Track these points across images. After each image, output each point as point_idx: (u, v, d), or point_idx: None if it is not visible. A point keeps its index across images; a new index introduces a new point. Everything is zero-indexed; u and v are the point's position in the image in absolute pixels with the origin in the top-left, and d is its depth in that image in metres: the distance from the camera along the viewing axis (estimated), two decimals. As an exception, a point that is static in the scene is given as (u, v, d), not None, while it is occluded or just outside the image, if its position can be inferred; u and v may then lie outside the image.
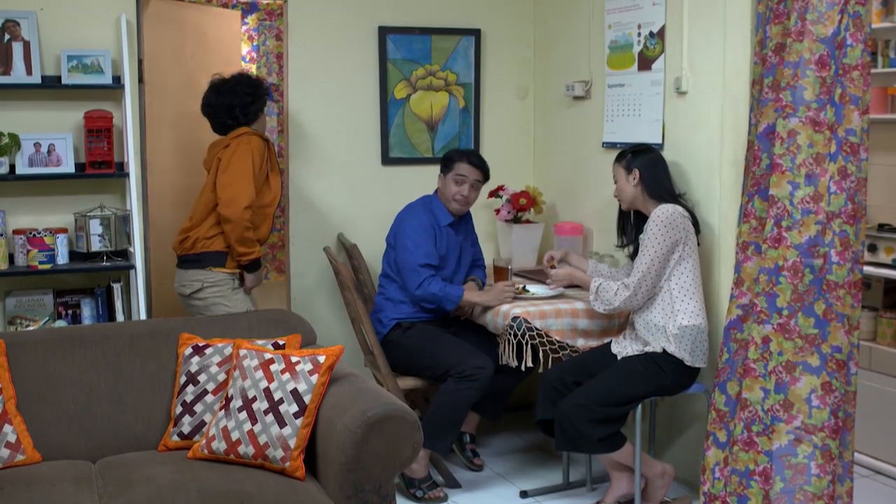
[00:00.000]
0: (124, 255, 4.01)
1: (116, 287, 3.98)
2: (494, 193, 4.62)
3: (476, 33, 4.74)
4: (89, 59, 3.94)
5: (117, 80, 3.98)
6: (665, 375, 3.42)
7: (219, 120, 3.93)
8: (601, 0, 4.25)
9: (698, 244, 3.53)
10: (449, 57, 4.71)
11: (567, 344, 3.69)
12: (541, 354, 3.67)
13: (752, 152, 3.26)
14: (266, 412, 2.84)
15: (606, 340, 3.70)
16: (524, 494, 3.81)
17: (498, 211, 4.62)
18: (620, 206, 3.69)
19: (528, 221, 4.60)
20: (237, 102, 3.88)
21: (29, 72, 3.87)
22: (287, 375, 2.89)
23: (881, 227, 4.33)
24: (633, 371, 3.43)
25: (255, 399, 2.88)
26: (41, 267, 3.83)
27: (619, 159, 3.62)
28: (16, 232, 3.89)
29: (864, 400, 3.49)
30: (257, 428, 2.83)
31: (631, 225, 3.70)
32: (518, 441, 4.44)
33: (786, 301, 3.07)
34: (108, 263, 3.93)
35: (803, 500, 3.04)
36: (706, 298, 3.54)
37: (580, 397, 3.40)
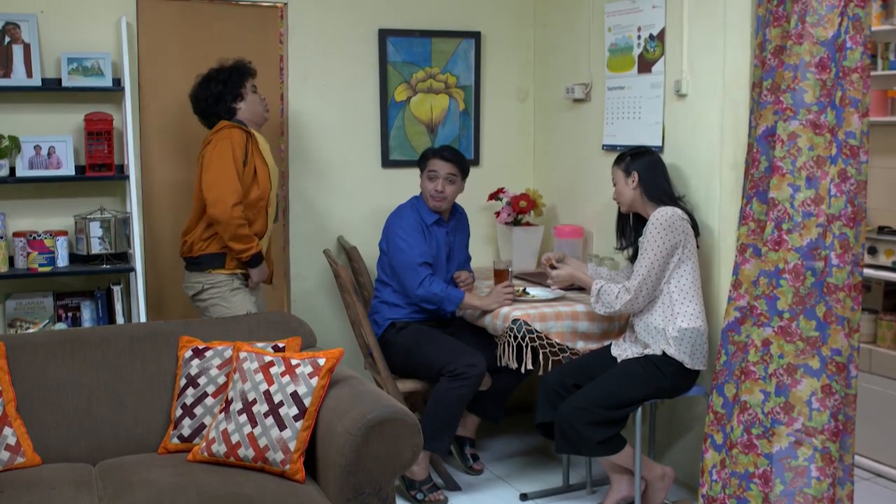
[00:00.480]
0: (124, 257, 4.01)
1: (116, 289, 3.98)
2: (494, 196, 4.62)
3: (476, 36, 4.74)
4: (89, 62, 3.94)
5: (117, 82, 3.98)
6: (665, 378, 3.41)
7: (203, 118, 3.89)
8: (601, 3, 4.25)
9: (697, 247, 3.53)
10: (449, 59, 4.71)
11: (567, 346, 3.69)
12: (541, 357, 3.67)
13: (751, 155, 3.26)
14: (266, 415, 2.84)
15: (606, 343, 3.70)
16: (524, 497, 3.80)
17: (498, 213, 4.63)
18: (619, 208, 3.69)
19: (528, 224, 4.60)
20: (207, 95, 3.81)
21: (29, 74, 3.87)
22: (287, 378, 2.89)
23: (881, 229, 4.33)
24: (632, 374, 3.42)
25: (255, 402, 2.88)
26: (41, 269, 3.83)
27: (617, 162, 3.62)
28: (16, 234, 3.89)
29: (864, 403, 3.49)
30: (257, 431, 2.83)
31: (630, 227, 3.70)
32: (518, 444, 4.44)
33: (787, 304, 3.06)
34: (108, 266, 3.92)
35: (803, 503, 3.04)
36: (706, 301, 3.54)
37: (580, 400, 3.40)
